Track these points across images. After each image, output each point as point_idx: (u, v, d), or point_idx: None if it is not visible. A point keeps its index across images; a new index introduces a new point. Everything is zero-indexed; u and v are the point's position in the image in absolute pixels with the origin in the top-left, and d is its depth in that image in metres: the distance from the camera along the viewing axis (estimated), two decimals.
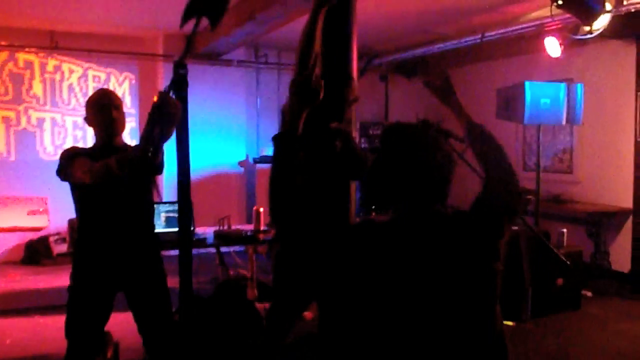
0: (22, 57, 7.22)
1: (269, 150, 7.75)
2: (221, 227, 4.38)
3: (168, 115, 2.31)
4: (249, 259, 4.57)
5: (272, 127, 8.34)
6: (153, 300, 2.96)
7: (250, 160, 7.83)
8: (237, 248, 5.83)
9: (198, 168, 7.68)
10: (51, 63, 7.37)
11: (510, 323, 4.79)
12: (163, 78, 7.60)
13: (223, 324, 3.77)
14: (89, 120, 2.95)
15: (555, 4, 4.39)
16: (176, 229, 4.16)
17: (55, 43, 6.93)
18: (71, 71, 7.50)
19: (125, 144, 2.99)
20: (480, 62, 7.81)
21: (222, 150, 7.83)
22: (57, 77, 7.42)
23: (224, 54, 7.47)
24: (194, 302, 3.97)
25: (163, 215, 4.19)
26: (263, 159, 7.65)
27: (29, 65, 7.28)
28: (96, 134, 2.95)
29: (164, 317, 3.00)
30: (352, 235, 1.75)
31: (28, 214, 6.36)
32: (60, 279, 5.45)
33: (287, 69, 8.34)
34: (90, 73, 7.58)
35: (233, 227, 4.53)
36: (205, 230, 4.45)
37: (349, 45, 4.10)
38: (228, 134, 7.87)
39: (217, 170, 7.80)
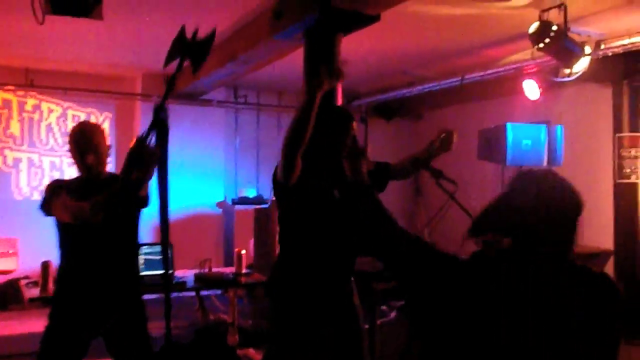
0: (0, 95, 7.09)
1: (247, 192, 7.65)
2: (201, 270, 4.24)
3: (145, 162, 2.37)
4: (230, 302, 4.41)
5: (251, 167, 8.28)
6: (134, 346, 2.86)
7: (229, 201, 7.70)
8: (216, 291, 5.67)
9: (175, 208, 7.53)
10: (30, 102, 7.25)
11: None
12: (141, 118, 7.53)
13: None
14: (71, 154, 2.89)
15: (536, 47, 4.45)
16: (155, 272, 4.03)
17: (30, 81, 6.82)
18: (50, 110, 7.38)
19: (111, 175, 2.96)
20: (461, 103, 7.88)
21: (200, 190, 7.71)
22: (36, 116, 7.29)
23: (204, 94, 7.42)
24: (174, 348, 3.80)
25: (142, 257, 4.03)
26: (242, 200, 7.53)
27: (7, 104, 7.16)
28: (80, 169, 2.89)
29: None
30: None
31: None
32: (29, 324, 5.22)
33: (266, 109, 8.33)
34: (70, 112, 7.46)
35: (213, 270, 4.39)
36: (184, 273, 4.30)
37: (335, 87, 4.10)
38: (206, 175, 7.77)
39: (195, 211, 7.66)
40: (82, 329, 2.76)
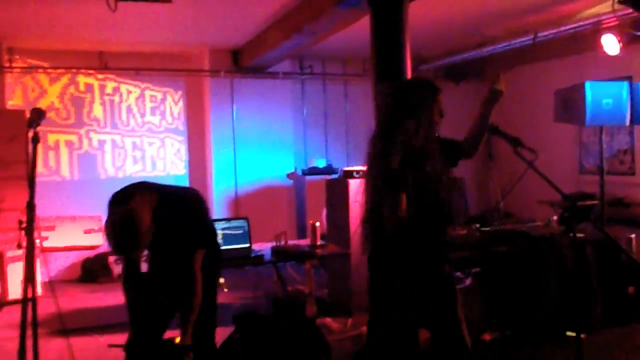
0: (82, 80, 7.39)
1: (317, 162, 7.69)
2: (278, 243, 4.32)
3: None
4: (307, 274, 4.49)
5: (319, 137, 8.30)
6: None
7: (299, 172, 7.78)
8: (291, 262, 5.77)
9: (246, 182, 7.69)
10: (110, 85, 7.53)
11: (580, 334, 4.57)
12: (209, 93, 7.66)
13: (285, 343, 3.69)
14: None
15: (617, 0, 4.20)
16: (233, 246, 4.14)
17: (105, 63, 7.04)
18: (129, 92, 7.65)
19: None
20: (533, 62, 7.58)
21: (271, 163, 7.81)
22: (116, 98, 7.58)
23: (270, 66, 7.46)
24: (256, 319, 3.91)
25: (220, 232, 4.15)
26: (312, 171, 7.58)
27: (89, 88, 7.45)
28: None
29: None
30: None
31: (84, 233, 6.47)
32: (118, 296, 5.50)
33: (331, 79, 8.29)
34: (148, 93, 7.71)
35: (289, 242, 4.47)
36: (261, 247, 4.40)
37: (403, 51, 4.04)
38: (275, 147, 7.85)
39: (266, 183, 7.78)
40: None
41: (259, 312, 4.36)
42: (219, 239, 4.21)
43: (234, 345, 3.83)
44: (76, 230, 6.46)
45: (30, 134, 2.41)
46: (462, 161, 3.25)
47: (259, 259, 4.10)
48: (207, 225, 3.19)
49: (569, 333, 4.57)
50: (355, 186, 5.18)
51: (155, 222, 2.71)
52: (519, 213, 7.31)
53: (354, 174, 5.27)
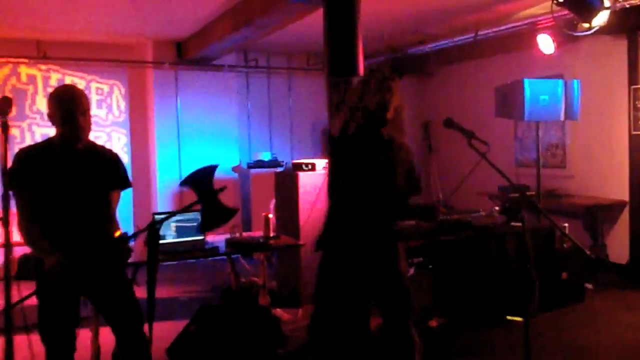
0: (24, 71, 7.11)
1: (262, 155, 7.71)
2: (232, 235, 4.33)
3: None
4: (261, 265, 4.53)
5: (264, 130, 8.32)
6: (120, 305, 2.98)
7: (244, 165, 7.78)
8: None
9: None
10: (54, 77, 7.26)
11: (519, 319, 4.83)
12: (152, 85, 7.53)
13: (242, 334, 3.73)
14: (51, 117, 2.82)
15: (555, 1, 4.44)
16: (187, 239, 4.13)
17: (43, 53, 6.80)
18: (74, 84, 7.35)
19: (89, 145, 2.91)
20: (472, 59, 7.87)
21: (215, 156, 7.76)
22: (45, 89, 7.27)
23: (215, 59, 7.41)
24: (210, 310, 3.93)
25: (173, 225, 4.13)
26: (257, 164, 7.60)
27: (31, 79, 7.17)
28: (58, 133, 2.84)
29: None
30: None
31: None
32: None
33: (276, 73, 8.32)
34: (94, 85, 7.48)
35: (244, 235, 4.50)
36: (214, 239, 4.40)
37: (356, 45, 4.14)
38: (220, 140, 7.81)
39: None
40: (66, 289, 2.79)
41: (213, 303, 4.38)
42: (173, 232, 4.21)
43: (191, 337, 3.83)
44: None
45: None
46: None
47: (213, 251, 4.10)
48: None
49: (509, 317, 4.83)
50: (305, 178, 5.26)
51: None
52: (458, 204, 7.59)
53: (303, 166, 5.34)
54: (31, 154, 2.83)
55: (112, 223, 2.96)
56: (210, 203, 2.60)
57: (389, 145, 2.91)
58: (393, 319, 2.91)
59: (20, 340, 2.96)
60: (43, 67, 7.13)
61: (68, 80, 7.32)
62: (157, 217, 3.54)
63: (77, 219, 2.79)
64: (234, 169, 7.85)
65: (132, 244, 3.09)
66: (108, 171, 2.93)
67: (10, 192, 2.59)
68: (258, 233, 4.72)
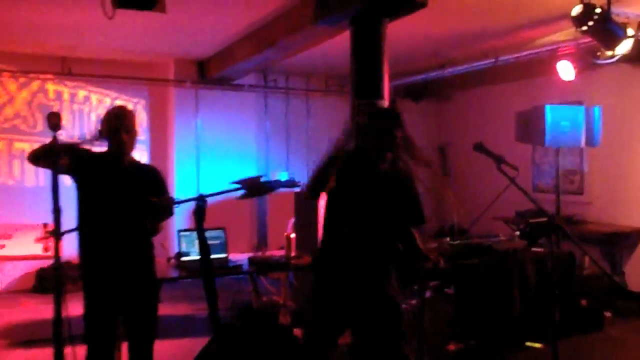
0: (52, 88, 7.21)
1: (279, 175, 7.75)
2: (255, 254, 4.36)
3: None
4: (282, 284, 4.54)
5: (281, 150, 8.37)
6: (144, 323, 3.17)
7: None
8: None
9: (208, 193, 7.65)
10: (81, 94, 7.36)
11: (537, 345, 4.79)
12: (174, 103, 7.62)
13: (263, 354, 3.73)
14: (102, 133, 3.12)
15: (579, 29, 4.49)
16: (212, 256, 4.14)
17: (68, 69, 6.91)
18: (99, 101, 7.49)
19: (134, 162, 3.21)
20: (489, 84, 7.92)
21: (233, 174, 7.75)
22: (86, 108, 7.41)
23: (235, 79, 7.50)
24: (231, 329, 3.93)
25: (197, 242, 4.15)
26: (274, 184, 7.62)
27: (59, 96, 7.27)
28: (109, 146, 3.12)
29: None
30: None
31: (35, 242, 6.29)
32: (76, 308, 5.42)
33: (294, 94, 8.40)
34: (107, 100, 7.54)
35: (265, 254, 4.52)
36: (237, 257, 4.43)
37: (381, 68, 4.19)
38: (238, 158, 7.86)
39: (229, 195, 7.76)
40: (107, 303, 3.02)
41: (232, 322, 4.39)
42: (197, 249, 4.23)
43: (212, 356, 3.83)
44: (31, 239, 6.26)
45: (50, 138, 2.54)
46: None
47: (236, 269, 4.12)
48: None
49: (529, 343, 4.80)
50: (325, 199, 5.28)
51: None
52: (472, 229, 7.58)
53: None
54: (94, 157, 3.13)
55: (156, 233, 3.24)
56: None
57: (389, 175, 2.94)
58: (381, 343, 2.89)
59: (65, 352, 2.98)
60: (69, 83, 7.23)
61: (94, 98, 7.44)
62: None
63: (120, 229, 3.01)
64: None
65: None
66: (150, 185, 3.15)
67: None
68: (279, 252, 4.74)
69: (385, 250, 2.95)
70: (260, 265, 4.27)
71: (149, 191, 3.12)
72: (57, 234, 2.45)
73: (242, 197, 2.96)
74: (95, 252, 3.04)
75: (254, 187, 2.95)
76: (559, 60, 6.00)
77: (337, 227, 2.93)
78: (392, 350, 2.89)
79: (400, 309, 2.96)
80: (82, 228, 3.04)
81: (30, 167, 7.16)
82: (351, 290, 2.87)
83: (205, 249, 2.98)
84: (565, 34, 5.60)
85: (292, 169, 8.27)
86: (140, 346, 3.14)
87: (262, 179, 3.13)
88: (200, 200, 2.86)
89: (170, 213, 3.17)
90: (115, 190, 3.03)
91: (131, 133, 3.08)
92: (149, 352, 3.16)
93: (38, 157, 2.97)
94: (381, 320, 2.88)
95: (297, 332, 4.67)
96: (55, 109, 7.16)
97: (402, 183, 2.98)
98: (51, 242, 2.68)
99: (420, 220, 3.04)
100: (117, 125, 3.02)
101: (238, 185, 2.99)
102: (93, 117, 7.44)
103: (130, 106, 7.66)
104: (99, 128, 3.12)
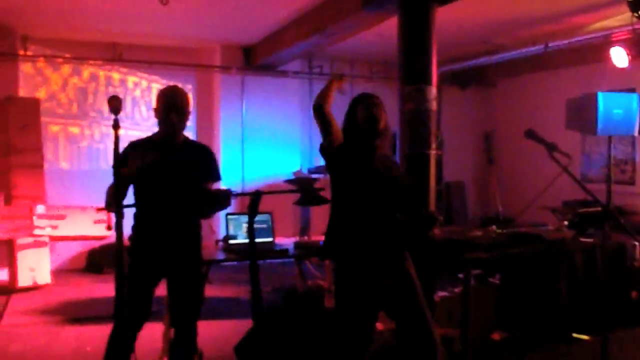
0: (86, 70, 7.35)
1: (322, 161, 7.78)
2: (301, 238, 4.41)
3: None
4: (326, 269, 4.59)
5: None
6: (187, 296, 3.18)
7: (304, 170, 7.86)
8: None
9: (253, 178, 7.76)
10: (116, 77, 7.49)
11: (584, 337, 4.72)
12: (220, 89, 7.72)
13: (305, 335, 3.78)
14: (155, 112, 3.12)
15: (636, 14, 4.36)
16: (258, 240, 4.21)
17: (119, 55, 7.06)
18: (135, 84, 7.61)
19: (187, 141, 3.20)
20: (536, 71, 7.77)
21: (277, 160, 7.88)
22: (122, 90, 7.51)
23: (281, 65, 7.54)
24: (277, 312, 4.00)
25: (244, 225, 4.23)
26: (318, 170, 7.67)
27: (94, 78, 7.41)
28: (160, 126, 3.13)
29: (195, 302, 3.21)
30: None
31: (94, 223, 6.49)
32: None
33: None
34: (154, 86, 7.65)
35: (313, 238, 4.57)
36: (283, 241, 4.49)
37: (431, 54, 4.16)
38: (283, 145, 7.93)
39: (272, 180, 7.84)
40: (149, 271, 3.06)
41: (278, 305, 4.45)
42: (244, 233, 4.31)
43: (259, 337, 3.90)
44: (86, 221, 6.46)
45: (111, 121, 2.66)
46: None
47: (283, 252, 4.18)
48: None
49: (576, 335, 4.73)
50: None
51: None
52: (518, 218, 7.48)
53: None
54: (138, 146, 3.14)
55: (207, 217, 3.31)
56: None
57: (386, 157, 3.00)
58: (413, 323, 2.90)
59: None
60: (121, 69, 7.41)
61: (130, 81, 7.57)
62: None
63: (171, 206, 3.04)
64: (295, 174, 7.94)
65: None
66: (201, 164, 3.15)
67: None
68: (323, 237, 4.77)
69: (395, 231, 2.97)
70: (306, 250, 4.32)
71: (200, 170, 3.13)
72: (118, 213, 2.55)
73: (297, 202, 2.95)
74: (143, 230, 3.10)
75: (309, 196, 2.97)
76: (612, 46, 5.84)
77: (351, 214, 2.93)
78: (425, 332, 2.90)
79: (415, 280, 2.97)
80: (137, 208, 3.10)
81: (82, 151, 7.40)
82: (377, 274, 2.90)
83: (252, 238, 3.00)
84: (619, 19, 5.45)
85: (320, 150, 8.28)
86: (182, 324, 3.19)
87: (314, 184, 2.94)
88: (256, 195, 2.89)
89: (227, 204, 3.15)
90: (165, 170, 3.04)
91: (182, 113, 3.08)
92: (191, 331, 3.21)
93: (110, 204, 2.94)
94: (406, 296, 2.91)
95: None
96: (91, 92, 7.36)
97: (395, 164, 3.12)
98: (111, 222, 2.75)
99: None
100: (168, 104, 3.04)
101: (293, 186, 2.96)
102: (128, 100, 7.56)
103: None
104: (154, 107, 3.15)
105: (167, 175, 3.04)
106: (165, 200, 3.05)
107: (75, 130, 7.39)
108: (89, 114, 7.40)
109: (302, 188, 2.81)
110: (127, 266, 3.04)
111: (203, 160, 3.18)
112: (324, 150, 3.03)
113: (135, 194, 3.13)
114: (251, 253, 2.80)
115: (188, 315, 3.19)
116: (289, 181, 2.98)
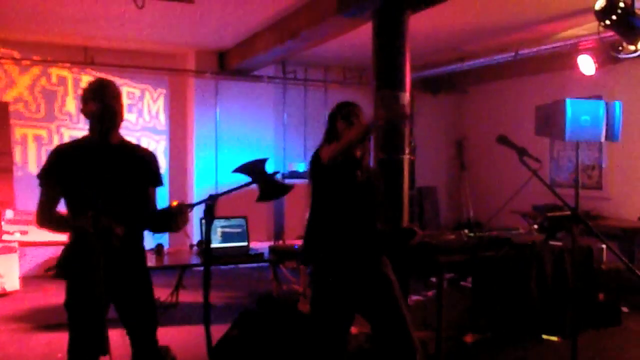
0: (55, 72, 7.23)
1: (296, 166, 7.80)
2: (276, 242, 4.42)
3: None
4: (301, 273, 4.60)
5: (299, 142, 8.42)
6: (140, 310, 2.89)
7: (278, 175, 7.85)
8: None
9: (227, 182, 7.73)
10: (85, 79, 7.34)
11: (554, 338, 4.82)
12: (194, 93, 7.69)
13: (283, 340, 3.79)
14: (84, 110, 2.74)
15: (602, 24, 4.47)
16: (232, 244, 4.21)
17: (91, 58, 6.99)
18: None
19: (123, 141, 2.82)
20: (507, 78, 7.91)
21: None
22: None
23: (255, 70, 7.55)
24: (251, 316, 4.00)
25: (219, 230, 4.22)
26: (291, 175, 7.69)
27: (62, 81, 7.28)
28: (91, 126, 2.73)
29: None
30: None
31: None
32: None
33: (313, 85, 8.44)
34: (125, 89, 7.58)
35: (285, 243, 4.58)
36: (258, 246, 4.49)
37: (404, 60, 4.22)
38: (256, 149, 7.92)
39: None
40: (95, 294, 2.58)
41: (252, 309, 4.45)
42: (219, 237, 4.31)
43: (233, 342, 3.90)
44: None
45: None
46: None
47: (258, 257, 4.18)
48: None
49: (545, 336, 4.82)
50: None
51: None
52: (488, 222, 7.60)
53: None
54: (64, 154, 2.76)
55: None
56: (266, 180, 2.79)
57: (364, 165, 3.04)
58: (393, 327, 2.93)
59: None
60: (75, 69, 7.25)
61: None
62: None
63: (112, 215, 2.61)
64: None
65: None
66: (141, 168, 2.84)
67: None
68: (298, 242, 4.79)
69: (374, 238, 3.04)
70: (281, 254, 4.33)
71: (140, 175, 2.82)
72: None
73: (258, 199, 2.84)
74: (78, 250, 2.64)
75: (268, 188, 2.82)
76: (580, 54, 5.97)
77: (332, 221, 2.99)
78: (402, 334, 2.94)
79: (394, 283, 3.01)
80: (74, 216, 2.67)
81: (33, 154, 7.25)
82: (355, 279, 2.95)
83: (209, 244, 2.74)
84: (587, 28, 5.58)
85: (309, 160, 8.31)
86: (139, 334, 2.89)
87: (275, 175, 2.82)
88: (210, 200, 2.60)
89: (183, 223, 2.74)
90: (99, 176, 2.65)
91: (118, 100, 2.72)
92: (151, 341, 2.91)
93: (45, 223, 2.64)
94: (385, 300, 2.95)
95: None
96: (59, 95, 7.22)
97: (374, 172, 3.18)
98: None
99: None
100: (102, 91, 2.69)
101: (248, 180, 2.80)
102: None
103: (151, 96, 7.78)
104: (81, 107, 2.76)
105: (102, 182, 2.65)
106: (104, 213, 2.59)
107: (43, 133, 7.25)
108: (57, 117, 7.29)
109: (258, 179, 2.68)
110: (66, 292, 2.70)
111: (142, 163, 2.84)
112: (316, 158, 3.03)
113: (68, 205, 2.70)
114: (206, 260, 2.70)
115: (143, 328, 2.88)
116: (236, 170, 2.81)
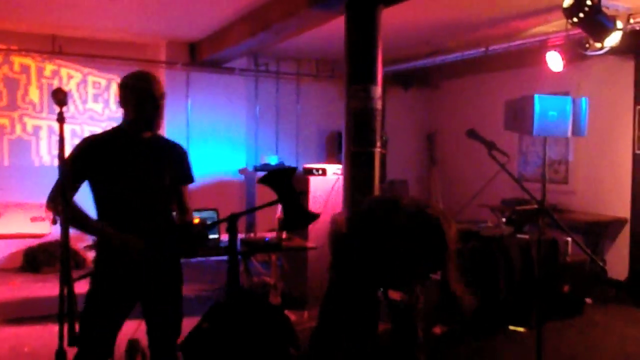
0: (17, 60, 7.05)
1: (269, 159, 7.80)
2: (247, 235, 4.42)
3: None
4: (272, 266, 4.61)
5: (271, 134, 8.41)
6: (167, 308, 2.89)
7: (250, 168, 7.86)
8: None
9: (198, 175, 7.64)
10: (49, 68, 7.19)
11: (520, 329, 4.92)
12: (164, 85, 7.58)
13: (255, 332, 3.79)
14: (124, 101, 2.71)
15: (570, 21, 4.56)
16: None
17: (59, 48, 6.86)
18: (70, 77, 7.35)
19: (156, 135, 2.80)
20: (477, 73, 8.01)
21: (223, 157, 7.85)
22: (55, 82, 7.21)
23: (227, 62, 7.50)
24: (222, 308, 3.98)
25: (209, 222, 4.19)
26: (263, 167, 7.67)
27: (25, 69, 7.11)
28: (128, 119, 2.71)
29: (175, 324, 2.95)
30: None
31: (32, 221, 6.29)
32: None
33: (285, 78, 8.43)
34: (90, 79, 7.46)
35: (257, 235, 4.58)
36: (224, 238, 4.47)
37: (376, 54, 4.24)
38: (228, 142, 7.90)
39: (218, 177, 7.80)
40: (121, 297, 2.70)
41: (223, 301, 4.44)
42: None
43: (204, 334, 3.89)
44: (23, 218, 6.27)
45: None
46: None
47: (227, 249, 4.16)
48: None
49: (512, 327, 4.92)
50: (316, 182, 5.37)
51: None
52: (456, 216, 7.71)
53: (314, 171, 5.44)
54: (97, 143, 2.72)
55: (188, 213, 2.94)
56: (292, 203, 2.59)
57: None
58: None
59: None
60: (38, 57, 7.08)
61: (63, 72, 7.28)
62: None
63: (147, 219, 2.70)
64: (241, 171, 7.93)
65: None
66: (175, 164, 2.83)
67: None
68: (269, 234, 4.80)
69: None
70: (253, 247, 4.33)
71: (173, 171, 2.79)
72: (66, 221, 2.09)
73: (281, 228, 2.64)
74: (111, 249, 2.64)
75: (293, 213, 2.57)
76: (548, 51, 6.07)
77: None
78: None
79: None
80: (100, 219, 2.68)
81: (12, 145, 7.12)
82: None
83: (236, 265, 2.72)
84: (555, 25, 5.68)
85: (281, 153, 8.31)
86: (162, 344, 2.87)
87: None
88: (231, 219, 2.53)
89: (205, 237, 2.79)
90: (132, 170, 2.66)
91: (163, 101, 2.73)
92: (173, 351, 2.88)
93: (54, 199, 2.53)
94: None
95: (287, 312, 4.76)
96: (22, 83, 7.04)
97: None
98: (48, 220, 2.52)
99: None
100: (150, 91, 2.70)
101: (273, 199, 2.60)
102: (77, 96, 7.36)
103: (114, 87, 7.66)
104: (120, 97, 2.74)
105: (136, 176, 2.64)
106: (139, 210, 2.66)
107: (5, 122, 7.06)
108: (20, 106, 7.10)
109: (284, 197, 2.49)
110: (87, 292, 2.68)
111: (176, 159, 2.83)
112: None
113: (96, 200, 2.68)
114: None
115: (169, 336, 2.88)
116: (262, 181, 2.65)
